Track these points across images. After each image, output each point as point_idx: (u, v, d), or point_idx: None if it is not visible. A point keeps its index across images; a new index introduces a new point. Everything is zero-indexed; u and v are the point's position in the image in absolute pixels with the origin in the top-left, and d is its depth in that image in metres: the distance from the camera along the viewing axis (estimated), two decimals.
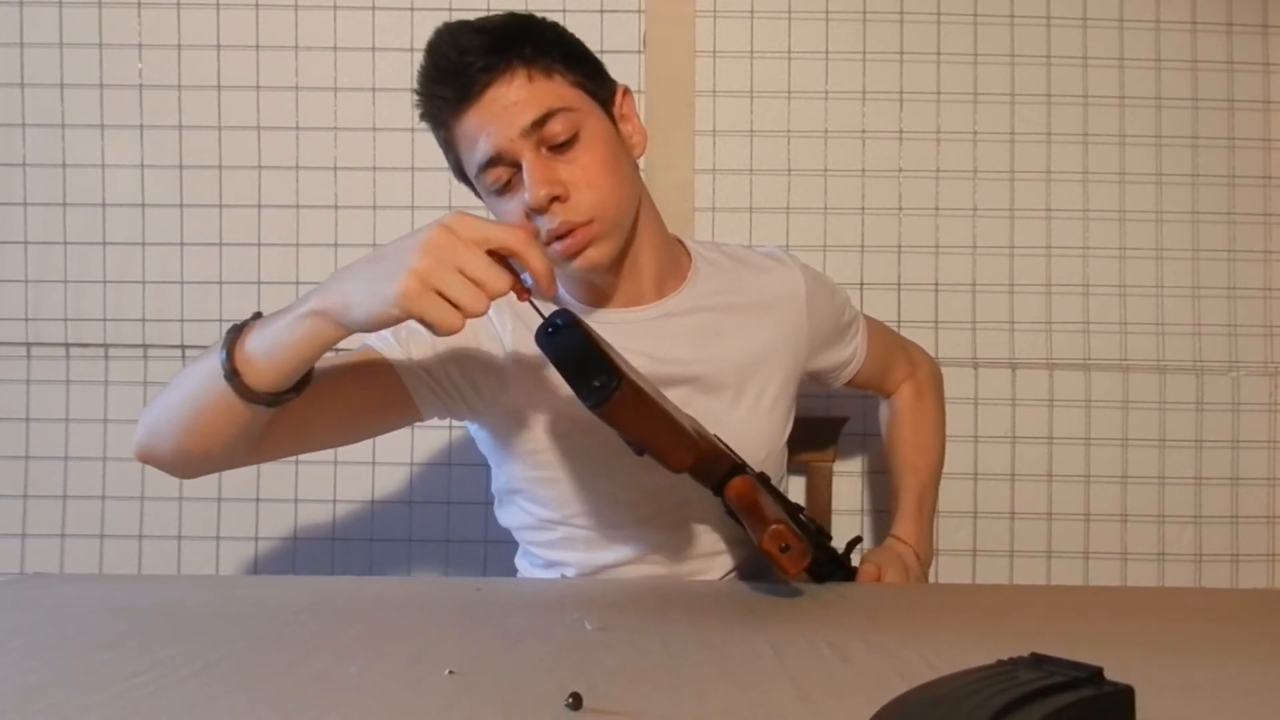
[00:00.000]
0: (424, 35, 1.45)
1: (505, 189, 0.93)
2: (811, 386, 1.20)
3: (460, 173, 0.99)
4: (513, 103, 0.90)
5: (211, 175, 1.48)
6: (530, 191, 0.90)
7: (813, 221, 1.49)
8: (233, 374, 0.78)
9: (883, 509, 1.46)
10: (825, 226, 1.49)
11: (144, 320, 1.48)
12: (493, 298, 0.74)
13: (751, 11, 1.49)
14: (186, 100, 1.48)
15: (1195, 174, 1.49)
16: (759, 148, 1.49)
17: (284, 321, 0.78)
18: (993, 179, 1.49)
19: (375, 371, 0.94)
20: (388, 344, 0.95)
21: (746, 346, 1.06)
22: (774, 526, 0.84)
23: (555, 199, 0.91)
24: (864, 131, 1.49)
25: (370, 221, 1.48)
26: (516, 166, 0.92)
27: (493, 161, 0.91)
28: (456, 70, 0.91)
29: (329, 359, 0.90)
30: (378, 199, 1.48)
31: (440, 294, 0.72)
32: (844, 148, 1.49)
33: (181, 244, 1.48)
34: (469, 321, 1.00)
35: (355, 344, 0.94)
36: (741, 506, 0.88)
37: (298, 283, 1.48)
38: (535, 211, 0.92)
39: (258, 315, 0.82)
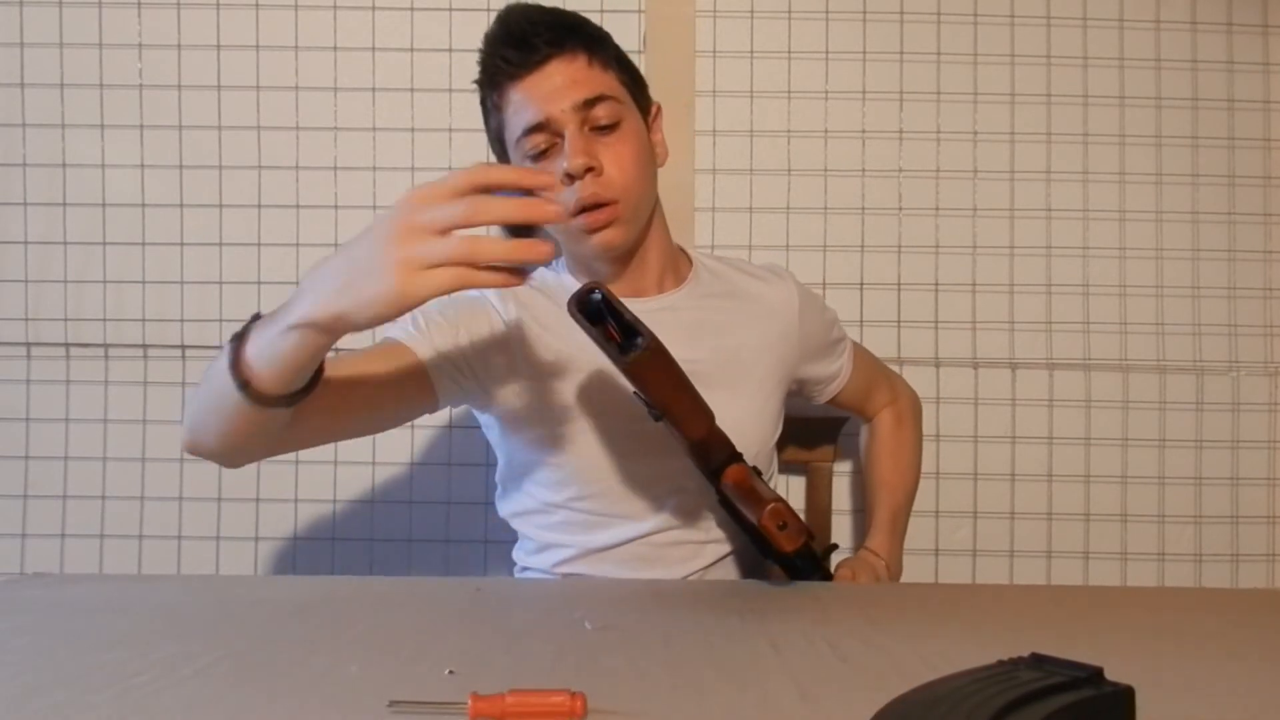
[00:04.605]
0: (424, 36, 1.48)
1: (542, 156, 1.01)
2: (799, 400, 1.22)
3: (498, 139, 1.06)
4: (570, 79, 0.99)
5: (211, 175, 1.48)
6: (569, 159, 0.98)
7: (813, 221, 1.49)
8: (243, 385, 0.77)
9: None
10: (825, 226, 1.49)
11: (144, 320, 1.48)
12: (481, 224, 0.69)
13: (751, 11, 1.49)
14: (186, 100, 1.48)
15: (1195, 174, 1.49)
16: (759, 148, 1.49)
17: (273, 332, 0.76)
18: (993, 179, 1.49)
19: (400, 361, 0.99)
20: (409, 334, 1.01)
21: (741, 344, 1.10)
22: (773, 505, 0.90)
23: (590, 169, 0.98)
24: (864, 131, 1.49)
25: (370, 221, 1.48)
26: (558, 136, 0.99)
27: (539, 127, 0.99)
28: (524, 37, 1.00)
29: (357, 349, 0.97)
30: (377, 199, 1.48)
31: (433, 266, 0.68)
32: (844, 148, 1.49)
33: (181, 244, 1.48)
34: (479, 307, 1.07)
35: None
36: (739, 491, 0.94)
37: (298, 283, 1.47)
38: (570, 177, 0.98)
39: (256, 316, 0.81)
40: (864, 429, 1.33)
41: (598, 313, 0.86)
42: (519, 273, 0.70)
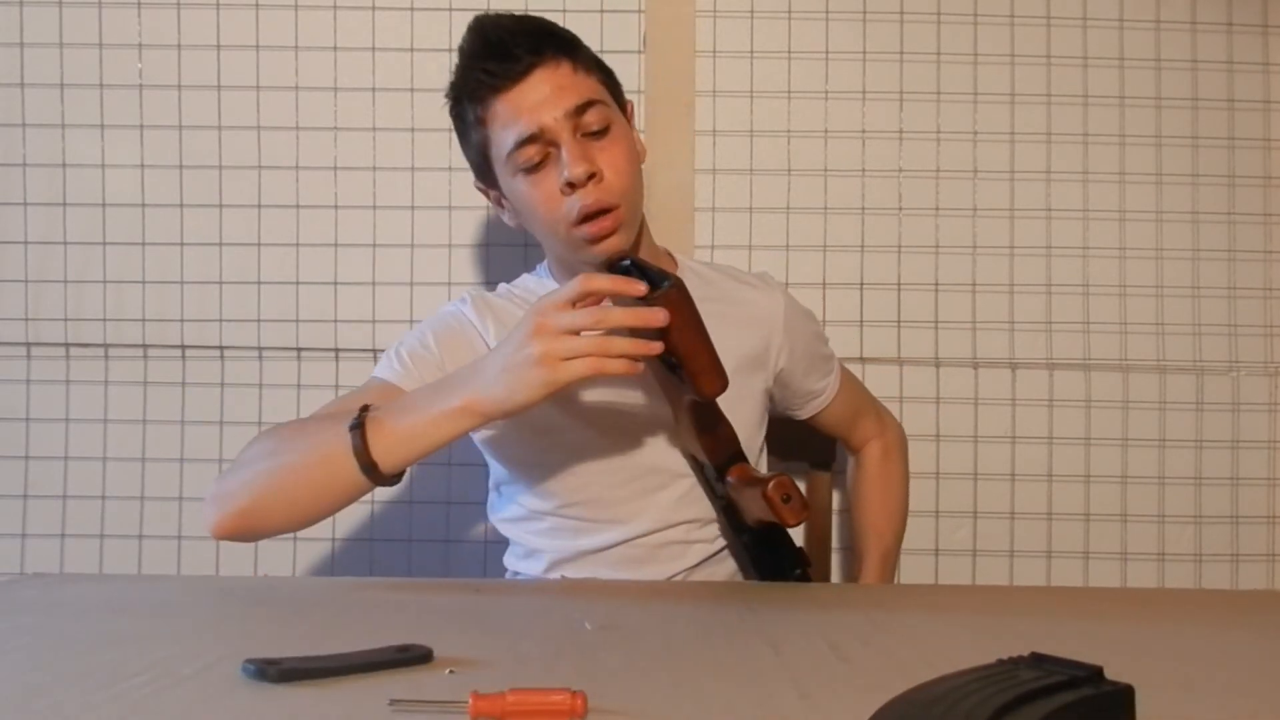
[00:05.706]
0: (424, 36, 1.48)
1: (536, 168, 0.99)
2: (783, 410, 1.22)
3: (481, 153, 1.04)
4: (559, 87, 0.98)
5: (211, 175, 1.48)
6: (571, 168, 0.97)
7: (813, 221, 1.49)
8: (369, 467, 0.86)
9: None
10: (825, 226, 1.49)
11: (144, 320, 1.48)
12: (604, 327, 0.83)
13: (751, 11, 1.49)
14: (186, 100, 1.48)
15: (1195, 174, 1.49)
16: (759, 148, 1.49)
17: (427, 416, 0.86)
18: (993, 179, 1.49)
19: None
20: (395, 372, 1.02)
21: (726, 347, 1.08)
22: (777, 478, 0.91)
23: (592, 176, 0.97)
24: (864, 131, 1.49)
25: (370, 221, 1.48)
26: (551, 146, 0.98)
27: (532, 139, 0.98)
28: (504, 49, 0.98)
29: (355, 399, 0.98)
30: (378, 199, 1.48)
31: (570, 358, 0.81)
32: (844, 148, 1.49)
33: (181, 244, 1.48)
34: (459, 331, 1.07)
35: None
36: (743, 481, 0.97)
37: (298, 283, 1.48)
38: (573, 186, 0.98)
39: (365, 408, 0.89)
40: (850, 461, 1.32)
41: (625, 275, 0.90)
42: (638, 359, 0.83)
